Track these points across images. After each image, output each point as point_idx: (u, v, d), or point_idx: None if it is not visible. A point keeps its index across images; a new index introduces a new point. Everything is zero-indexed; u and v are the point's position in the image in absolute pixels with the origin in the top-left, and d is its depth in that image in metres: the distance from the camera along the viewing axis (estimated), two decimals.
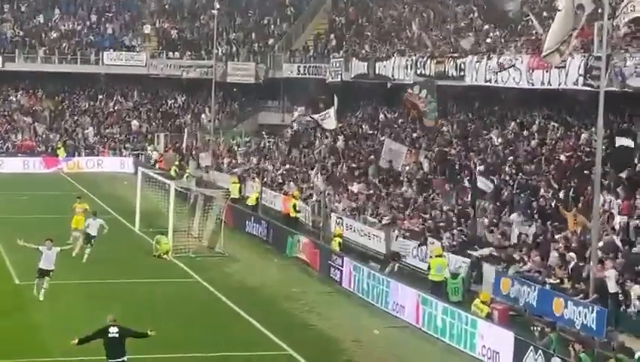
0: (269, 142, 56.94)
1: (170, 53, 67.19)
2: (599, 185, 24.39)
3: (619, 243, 25.19)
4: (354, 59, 52.22)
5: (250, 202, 41.65)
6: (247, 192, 44.06)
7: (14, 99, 66.27)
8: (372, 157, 42.21)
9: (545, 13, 37.98)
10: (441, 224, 31.48)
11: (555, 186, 30.21)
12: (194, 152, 57.54)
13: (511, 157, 34.38)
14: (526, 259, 26.58)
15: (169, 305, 26.12)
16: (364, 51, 53.25)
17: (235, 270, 31.78)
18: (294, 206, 38.08)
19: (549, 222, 28.22)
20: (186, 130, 61.95)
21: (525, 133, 36.77)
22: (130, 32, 69.99)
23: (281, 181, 44.85)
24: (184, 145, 59.53)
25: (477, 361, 22.22)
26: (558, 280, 24.74)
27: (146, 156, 60.52)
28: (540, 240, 27.42)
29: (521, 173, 32.56)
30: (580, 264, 24.78)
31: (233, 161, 53.19)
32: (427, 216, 32.71)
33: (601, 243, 24.58)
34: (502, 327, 22.24)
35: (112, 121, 65.93)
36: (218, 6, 54.52)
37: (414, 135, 43.16)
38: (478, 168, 34.11)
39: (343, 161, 43.53)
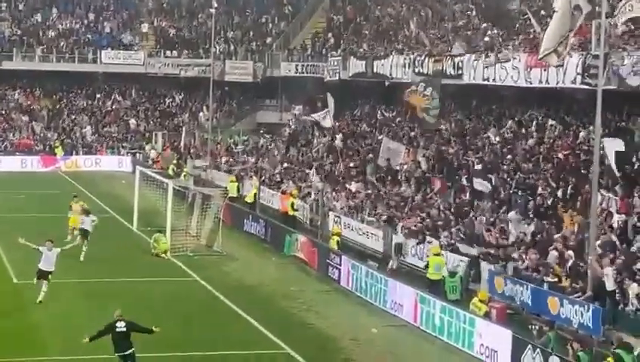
0: (267, 142, 56.91)
1: (168, 52, 67.14)
2: (597, 183, 24.42)
3: (617, 242, 25.23)
4: (352, 57, 52.24)
5: (249, 199, 41.67)
6: (245, 191, 44.07)
7: (12, 97, 66.23)
8: (370, 155, 42.24)
9: (542, 12, 37.99)
10: (439, 222, 31.52)
11: (553, 185, 30.24)
12: (192, 151, 57.55)
13: (509, 156, 34.40)
14: (524, 257, 26.61)
15: (167, 304, 26.11)
16: (362, 50, 53.27)
17: (233, 269, 31.79)
18: (292, 204, 38.09)
19: (545, 221, 28.26)
20: (183, 129, 61.93)
21: (523, 131, 36.79)
22: (127, 31, 69.96)
23: (279, 180, 44.86)
24: (182, 144, 59.52)
25: (475, 360, 22.22)
26: (556, 279, 24.77)
27: (144, 155, 60.50)
28: (538, 239, 27.45)
29: (519, 171, 32.58)
30: (578, 262, 24.82)
31: (231, 159, 53.20)
32: (425, 214, 32.72)
33: (599, 242, 24.62)
34: (500, 326, 22.23)
35: (110, 120, 65.90)
36: (216, 4, 54.43)
37: (412, 134, 43.18)
38: (475, 168, 34.14)
39: (341, 160, 43.54)
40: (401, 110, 45.92)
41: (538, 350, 20.01)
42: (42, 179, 53.65)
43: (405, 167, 38.68)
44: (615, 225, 26.14)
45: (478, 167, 34.20)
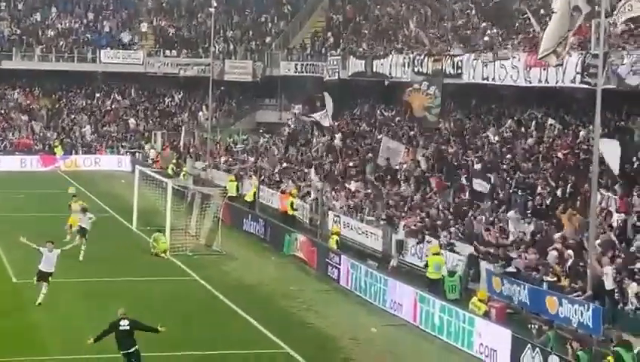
0: (267, 141, 56.90)
1: (168, 51, 67.11)
2: (596, 182, 24.41)
3: (616, 241, 25.22)
4: (351, 57, 52.22)
5: (248, 198, 41.67)
6: (244, 190, 44.07)
7: (11, 97, 66.22)
8: (369, 155, 42.23)
9: (542, 11, 37.98)
10: (439, 222, 31.51)
11: (553, 184, 30.23)
12: (191, 151, 57.53)
13: (508, 156, 34.40)
14: (524, 256, 26.59)
15: (166, 303, 26.10)
16: (361, 49, 53.23)
17: (232, 268, 31.78)
18: (292, 204, 38.09)
19: (544, 221, 28.25)
20: (183, 129, 61.89)
21: (523, 130, 36.78)
22: (127, 30, 69.92)
23: (278, 179, 44.85)
24: (181, 144, 59.49)
25: (474, 359, 22.22)
26: (555, 278, 24.76)
27: (144, 154, 60.48)
28: (537, 238, 27.44)
29: (519, 171, 32.57)
30: (578, 261, 24.81)
31: (230, 159, 53.18)
32: (424, 214, 32.72)
33: (598, 241, 24.61)
34: (499, 325, 22.24)
35: (110, 120, 65.88)
36: (215, 4, 54.40)
37: (411, 133, 43.18)
38: (474, 168, 34.13)
39: (341, 159, 43.53)
40: (400, 109, 45.92)
41: (537, 349, 20.01)
42: (42, 179, 53.63)
43: (405, 166, 38.69)
44: (614, 225, 26.14)
45: (478, 166, 34.19)
